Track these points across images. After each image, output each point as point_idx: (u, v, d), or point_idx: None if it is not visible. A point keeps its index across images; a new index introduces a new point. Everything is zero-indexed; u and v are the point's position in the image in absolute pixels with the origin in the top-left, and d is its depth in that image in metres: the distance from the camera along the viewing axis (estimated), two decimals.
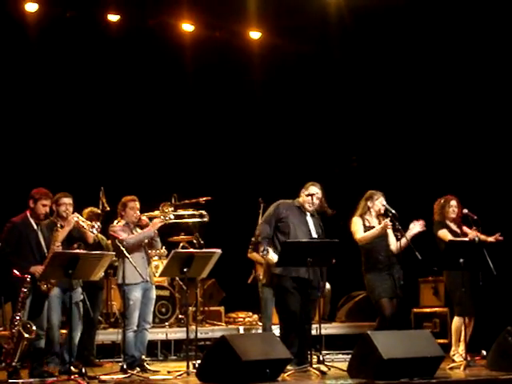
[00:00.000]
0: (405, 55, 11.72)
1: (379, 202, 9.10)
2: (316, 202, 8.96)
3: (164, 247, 10.46)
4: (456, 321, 9.27)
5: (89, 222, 8.53)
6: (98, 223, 8.63)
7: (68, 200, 8.59)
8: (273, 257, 8.74)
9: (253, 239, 10.19)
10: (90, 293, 9.29)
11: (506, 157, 11.07)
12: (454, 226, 9.40)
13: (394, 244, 9.02)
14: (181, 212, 10.29)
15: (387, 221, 8.85)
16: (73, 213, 8.46)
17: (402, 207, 9.36)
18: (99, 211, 9.81)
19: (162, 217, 9.15)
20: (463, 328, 9.14)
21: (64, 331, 9.05)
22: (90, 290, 9.27)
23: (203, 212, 10.36)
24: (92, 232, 8.51)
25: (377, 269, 8.96)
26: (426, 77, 11.66)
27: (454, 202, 9.38)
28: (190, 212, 10.43)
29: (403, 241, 8.85)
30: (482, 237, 9.29)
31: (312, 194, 8.95)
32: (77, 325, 8.39)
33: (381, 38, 11.78)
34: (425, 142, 11.75)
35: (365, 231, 9.03)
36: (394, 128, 12.05)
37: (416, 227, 8.95)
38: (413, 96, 11.80)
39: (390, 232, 9.06)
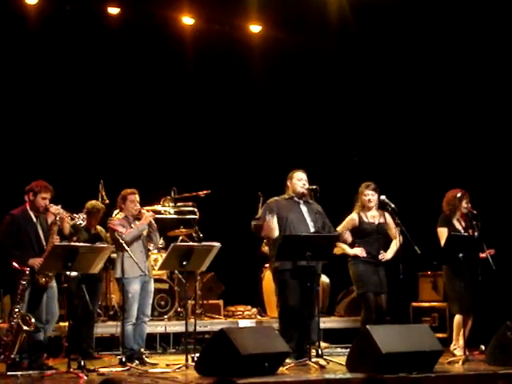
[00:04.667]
0: (406, 49, 11.69)
1: (363, 195, 9.17)
2: (307, 184, 8.96)
3: (162, 238, 10.46)
4: (458, 318, 9.27)
5: (69, 213, 8.46)
6: (83, 215, 8.58)
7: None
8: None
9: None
10: (89, 285, 9.31)
11: (506, 150, 11.06)
12: (459, 223, 9.38)
13: (390, 253, 9.14)
14: (172, 208, 10.28)
15: (361, 251, 9.01)
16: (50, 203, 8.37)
17: (403, 201, 9.38)
18: (101, 205, 9.77)
19: (149, 211, 9.12)
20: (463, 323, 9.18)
21: (64, 324, 9.09)
22: (89, 282, 9.29)
23: (195, 209, 10.37)
24: (78, 223, 8.51)
25: (366, 262, 9.02)
26: (426, 71, 11.65)
27: (467, 196, 9.36)
28: (181, 208, 10.45)
29: (389, 255, 9.12)
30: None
31: (301, 179, 8.97)
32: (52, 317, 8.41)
33: (382, 32, 11.75)
34: (425, 136, 11.73)
35: (362, 228, 9.15)
36: (394, 122, 12.03)
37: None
38: (413, 90, 11.78)
39: (393, 242, 9.13)
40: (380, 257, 9.12)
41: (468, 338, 9.04)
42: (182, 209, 10.32)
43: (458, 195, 9.33)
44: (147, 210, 9.12)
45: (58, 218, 8.22)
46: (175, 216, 10.35)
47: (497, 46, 11.05)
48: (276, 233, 8.81)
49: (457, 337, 9.28)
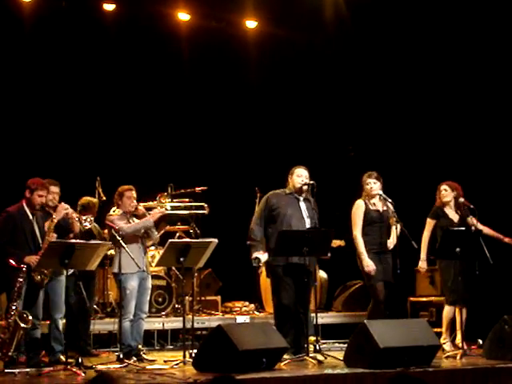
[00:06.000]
0: (401, 44, 11.69)
1: (366, 185, 9.16)
2: (306, 180, 8.97)
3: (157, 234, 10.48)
4: (448, 310, 9.29)
5: (77, 214, 8.49)
6: (91, 216, 8.59)
7: (55, 189, 8.58)
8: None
9: None
10: (84, 282, 9.32)
11: (504, 143, 11.06)
12: (451, 212, 9.41)
13: (394, 239, 9.10)
14: (179, 203, 10.30)
15: (371, 269, 8.91)
16: (60, 202, 8.38)
17: (400, 196, 9.38)
18: (95, 201, 9.77)
19: (159, 207, 9.16)
20: (458, 317, 9.17)
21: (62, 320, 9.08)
22: (84, 279, 9.29)
23: (203, 204, 10.34)
24: (84, 225, 8.51)
25: (372, 252, 9.01)
26: (422, 65, 11.64)
27: (443, 186, 9.45)
28: (189, 203, 10.44)
29: (395, 241, 9.04)
30: (496, 234, 9.42)
31: (300, 175, 8.98)
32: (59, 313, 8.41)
33: (377, 27, 11.75)
34: (422, 131, 11.73)
35: (369, 216, 9.09)
36: (390, 117, 12.03)
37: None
38: (409, 84, 11.77)
39: (393, 229, 9.14)
40: (389, 245, 9.09)
41: (465, 332, 9.03)
42: (188, 204, 10.33)
43: (440, 188, 9.45)
44: (155, 207, 9.12)
45: (54, 216, 8.21)
46: (185, 212, 10.33)
47: (492, 40, 11.04)
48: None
49: (446, 331, 9.27)
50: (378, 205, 9.21)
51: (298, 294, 8.79)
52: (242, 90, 12.52)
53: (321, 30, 12.06)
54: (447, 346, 9.10)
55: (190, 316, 9.16)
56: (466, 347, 8.81)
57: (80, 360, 7.95)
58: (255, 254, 8.92)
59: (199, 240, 9.03)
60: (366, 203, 9.17)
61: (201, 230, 10.46)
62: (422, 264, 9.42)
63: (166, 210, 9.72)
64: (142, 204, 9.19)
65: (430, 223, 9.40)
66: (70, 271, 8.91)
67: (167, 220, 10.63)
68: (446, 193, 9.43)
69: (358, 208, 9.15)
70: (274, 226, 8.88)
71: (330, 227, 8.97)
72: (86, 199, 9.60)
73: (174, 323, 10.40)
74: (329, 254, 9.04)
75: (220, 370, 7.42)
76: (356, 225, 9.10)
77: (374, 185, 9.17)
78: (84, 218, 8.46)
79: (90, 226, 8.70)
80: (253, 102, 12.54)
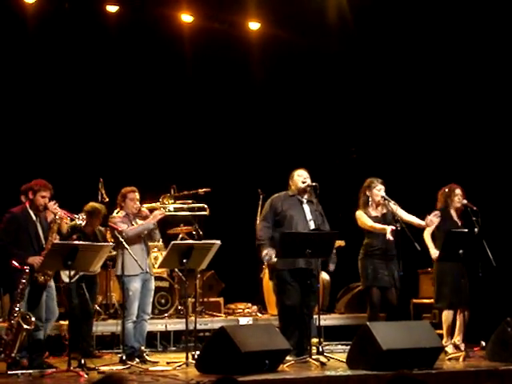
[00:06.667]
0: (403, 47, 11.68)
1: (377, 191, 9.13)
2: (308, 180, 8.96)
3: (161, 240, 10.49)
4: (446, 314, 9.28)
5: (69, 213, 8.43)
6: (83, 215, 8.49)
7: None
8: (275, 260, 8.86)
9: None
10: (86, 284, 9.33)
11: (507, 145, 11.05)
12: (455, 216, 9.42)
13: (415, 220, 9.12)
14: (181, 205, 10.30)
15: (389, 231, 8.89)
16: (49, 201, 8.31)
17: (402, 198, 9.37)
18: (101, 207, 9.70)
19: (162, 209, 9.16)
20: (458, 319, 9.16)
21: (65, 322, 9.09)
22: (86, 281, 9.30)
23: (204, 205, 10.32)
24: (78, 223, 8.48)
25: (375, 256, 9.00)
26: (424, 67, 11.63)
27: (458, 191, 9.43)
28: (190, 205, 10.44)
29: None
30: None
31: (301, 175, 8.99)
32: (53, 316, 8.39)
33: (380, 30, 11.75)
34: (424, 132, 11.72)
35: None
36: (392, 119, 12.03)
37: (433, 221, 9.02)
38: (411, 86, 11.76)
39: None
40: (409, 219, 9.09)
41: (467, 334, 9.03)
42: (191, 205, 10.32)
43: (446, 190, 9.43)
44: (158, 209, 9.12)
45: (57, 217, 8.20)
46: (186, 213, 10.33)
47: (493, 43, 11.04)
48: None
49: (447, 334, 9.26)
50: (378, 209, 9.21)
51: (302, 296, 8.79)
52: (244, 91, 12.52)
53: (324, 31, 12.04)
54: (449, 349, 9.09)
55: (193, 317, 9.16)
56: (466, 348, 8.81)
57: (83, 361, 7.96)
58: (266, 251, 8.89)
59: (202, 242, 9.02)
60: (364, 213, 9.16)
61: (203, 232, 10.46)
62: (433, 250, 9.29)
63: (170, 211, 9.72)
64: (145, 205, 9.19)
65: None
66: (76, 277, 8.97)
67: (169, 221, 10.65)
68: (462, 198, 9.40)
69: (362, 215, 9.15)
70: (280, 229, 8.87)
71: (332, 229, 8.99)
72: (91, 205, 9.54)
73: (176, 325, 10.41)
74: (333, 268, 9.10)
75: (223, 371, 7.40)
76: (367, 221, 9.09)
77: (383, 191, 9.17)
78: (76, 216, 8.39)
79: (83, 224, 8.65)
80: (255, 103, 12.54)
